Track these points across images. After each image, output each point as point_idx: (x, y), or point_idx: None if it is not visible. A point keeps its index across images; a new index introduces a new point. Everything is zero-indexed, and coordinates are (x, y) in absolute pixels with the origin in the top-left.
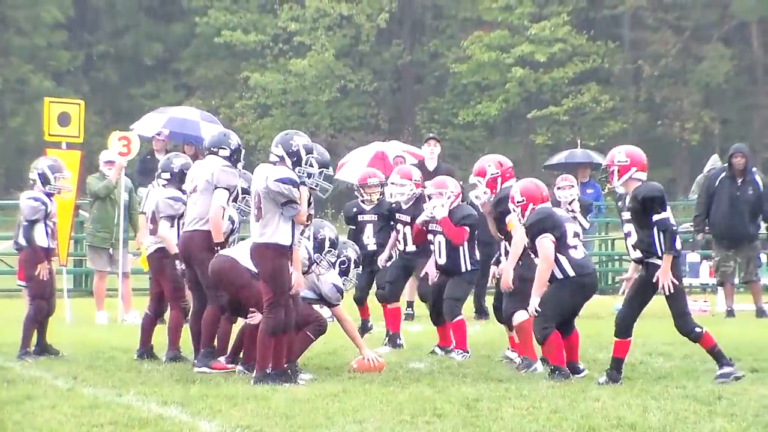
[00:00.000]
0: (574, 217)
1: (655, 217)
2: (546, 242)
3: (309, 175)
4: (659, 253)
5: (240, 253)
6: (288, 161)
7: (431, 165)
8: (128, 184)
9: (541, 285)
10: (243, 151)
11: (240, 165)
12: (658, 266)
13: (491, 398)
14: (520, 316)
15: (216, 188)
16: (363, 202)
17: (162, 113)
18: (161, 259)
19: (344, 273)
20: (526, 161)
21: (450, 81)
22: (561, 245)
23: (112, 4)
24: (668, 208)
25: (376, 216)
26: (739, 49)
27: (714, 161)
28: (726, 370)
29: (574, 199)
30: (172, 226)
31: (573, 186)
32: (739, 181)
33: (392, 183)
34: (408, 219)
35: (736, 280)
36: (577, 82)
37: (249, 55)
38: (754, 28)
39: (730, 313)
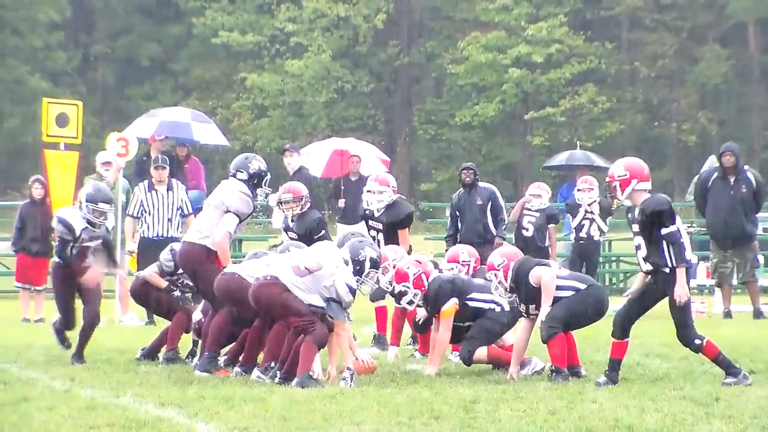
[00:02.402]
0: (593, 220)
1: (664, 231)
2: (538, 269)
3: (361, 283)
4: (669, 266)
5: (244, 269)
6: (350, 267)
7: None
8: (125, 186)
9: (549, 295)
10: (266, 176)
11: (261, 190)
12: (667, 276)
13: (489, 400)
14: (480, 353)
15: (227, 211)
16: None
17: (153, 116)
18: None
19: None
20: (524, 162)
21: (447, 82)
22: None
23: (108, 5)
24: (677, 219)
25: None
26: (735, 49)
27: (711, 163)
28: (730, 380)
29: (594, 201)
30: None
31: (593, 189)
32: (732, 180)
33: (370, 191)
34: (380, 226)
35: (735, 281)
36: (574, 83)
37: (246, 56)
38: (750, 29)
39: (728, 314)
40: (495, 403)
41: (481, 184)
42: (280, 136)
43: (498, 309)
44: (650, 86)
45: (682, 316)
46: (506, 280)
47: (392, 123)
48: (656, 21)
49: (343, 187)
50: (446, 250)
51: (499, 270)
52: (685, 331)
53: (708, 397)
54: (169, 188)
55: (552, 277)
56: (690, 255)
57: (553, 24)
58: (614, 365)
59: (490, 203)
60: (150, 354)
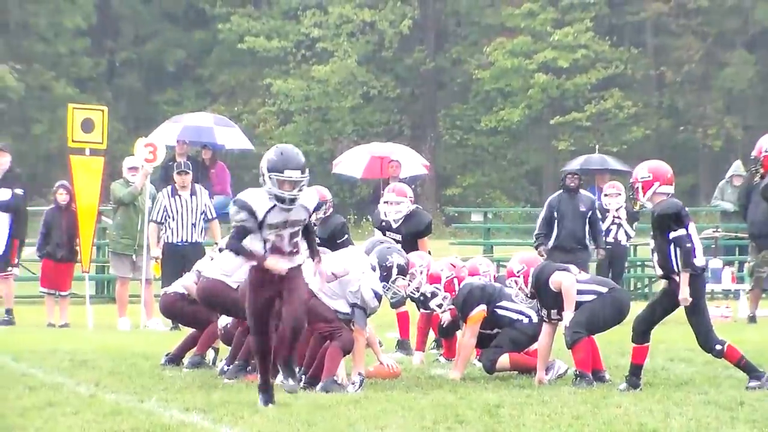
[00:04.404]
0: (620, 225)
1: (672, 234)
2: (558, 274)
3: (388, 289)
4: (676, 270)
5: None
6: (377, 272)
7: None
8: (152, 191)
9: (571, 300)
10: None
11: None
12: (678, 282)
13: (513, 404)
14: (502, 361)
15: None
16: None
17: (176, 122)
18: None
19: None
20: (549, 167)
21: (473, 87)
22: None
23: (134, 11)
24: (690, 223)
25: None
26: (762, 55)
27: (736, 167)
28: (754, 383)
29: (621, 207)
30: None
31: (620, 194)
32: None
33: (387, 202)
34: (399, 237)
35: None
36: (599, 88)
37: (272, 62)
38: None
39: (752, 319)
40: (519, 407)
41: (582, 191)
42: (306, 141)
43: (526, 320)
44: (676, 91)
45: (698, 322)
46: (527, 286)
47: (418, 128)
48: (682, 26)
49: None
50: (536, 247)
51: (519, 276)
52: (704, 337)
53: (732, 402)
54: (193, 193)
55: (572, 282)
56: (701, 261)
57: (578, 29)
58: (635, 370)
59: (590, 212)
60: (175, 359)
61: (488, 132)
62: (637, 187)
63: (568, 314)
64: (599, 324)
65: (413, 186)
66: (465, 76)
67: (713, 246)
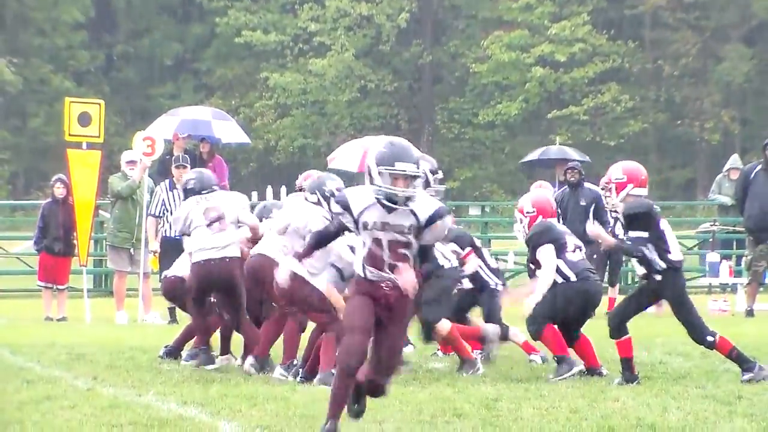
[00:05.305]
0: (617, 218)
1: (631, 234)
2: (547, 249)
3: None
4: (657, 269)
5: (268, 248)
6: None
7: None
8: (150, 185)
9: (543, 287)
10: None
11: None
12: (659, 280)
13: (511, 398)
14: (442, 328)
15: (240, 226)
16: None
17: (173, 116)
18: None
19: None
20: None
21: (470, 81)
22: (561, 253)
23: (131, 4)
24: (662, 220)
25: None
26: (759, 48)
27: (734, 161)
28: (747, 376)
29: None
30: None
31: None
32: None
33: None
34: None
35: (767, 280)
36: (597, 82)
37: (269, 55)
38: None
39: (750, 312)
40: (517, 401)
41: (586, 185)
42: (303, 135)
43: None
44: (673, 85)
45: (686, 316)
46: (528, 229)
47: (415, 122)
48: (680, 20)
49: None
50: None
51: (526, 217)
52: (695, 330)
53: (730, 396)
54: None
55: (547, 273)
56: (677, 256)
57: (576, 23)
58: (626, 364)
59: (593, 205)
60: (172, 352)
61: (485, 126)
62: (611, 188)
63: (533, 299)
64: (557, 312)
65: None
66: (462, 69)
67: (711, 240)
